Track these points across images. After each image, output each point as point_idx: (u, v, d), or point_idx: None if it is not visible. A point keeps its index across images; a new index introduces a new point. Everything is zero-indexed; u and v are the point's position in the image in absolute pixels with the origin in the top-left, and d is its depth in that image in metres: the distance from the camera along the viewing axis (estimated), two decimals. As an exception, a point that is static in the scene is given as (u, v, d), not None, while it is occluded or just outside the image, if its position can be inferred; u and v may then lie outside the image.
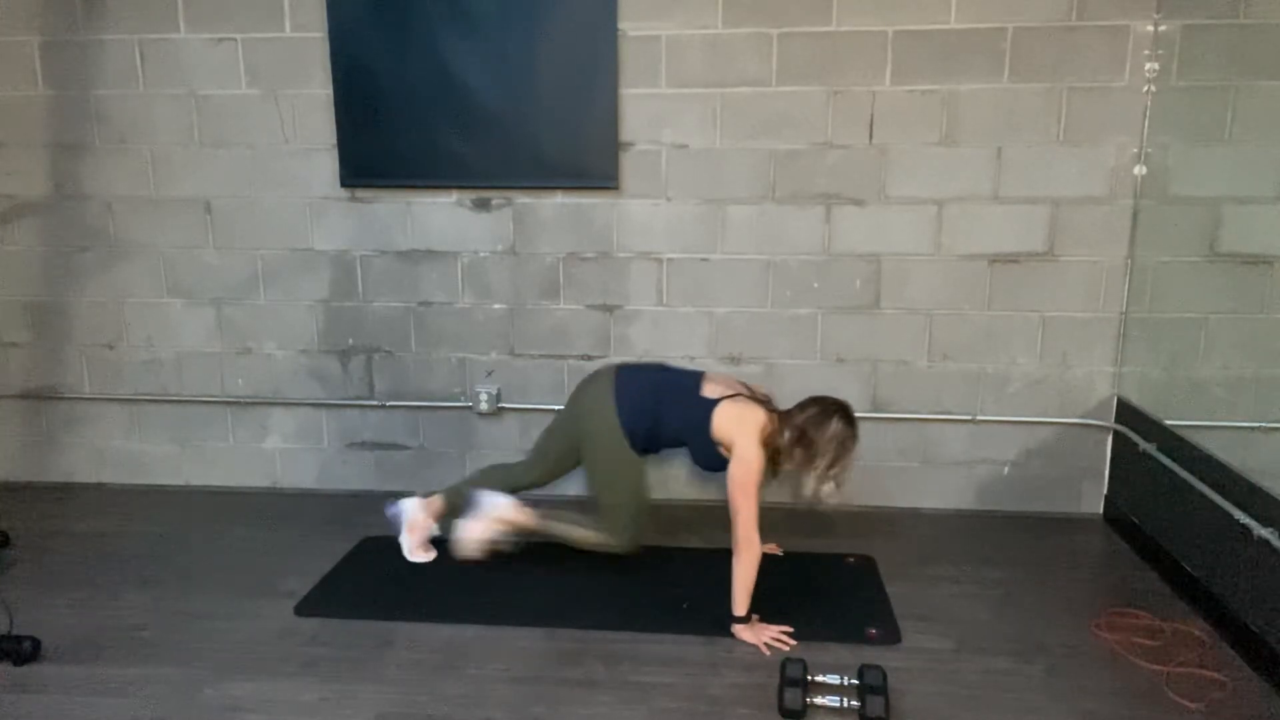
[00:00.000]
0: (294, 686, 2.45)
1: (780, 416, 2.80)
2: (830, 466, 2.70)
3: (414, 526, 3.17)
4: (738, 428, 2.76)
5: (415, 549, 3.17)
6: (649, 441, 2.94)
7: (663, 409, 2.89)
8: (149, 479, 3.92)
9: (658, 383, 2.95)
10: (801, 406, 2.78)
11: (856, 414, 3.51)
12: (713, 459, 2.84)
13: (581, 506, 3.11)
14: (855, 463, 2.78)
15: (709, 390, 2.86)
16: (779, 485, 3.60)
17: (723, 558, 2.77)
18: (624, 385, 2.94)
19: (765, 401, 2.90)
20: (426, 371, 3.72)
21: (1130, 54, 3.22)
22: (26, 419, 3.91)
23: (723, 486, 2.74)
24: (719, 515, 3.28)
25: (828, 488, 2.74)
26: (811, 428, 2.71)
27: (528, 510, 3.05)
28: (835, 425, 2.71)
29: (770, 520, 3.45)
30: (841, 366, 3.55)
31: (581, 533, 3.02)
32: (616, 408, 2.90)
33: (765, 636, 2.64)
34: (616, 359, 3.62)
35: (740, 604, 2.68)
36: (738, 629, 2.68)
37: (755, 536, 2.67)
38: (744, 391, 2.89)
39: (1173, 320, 3.14)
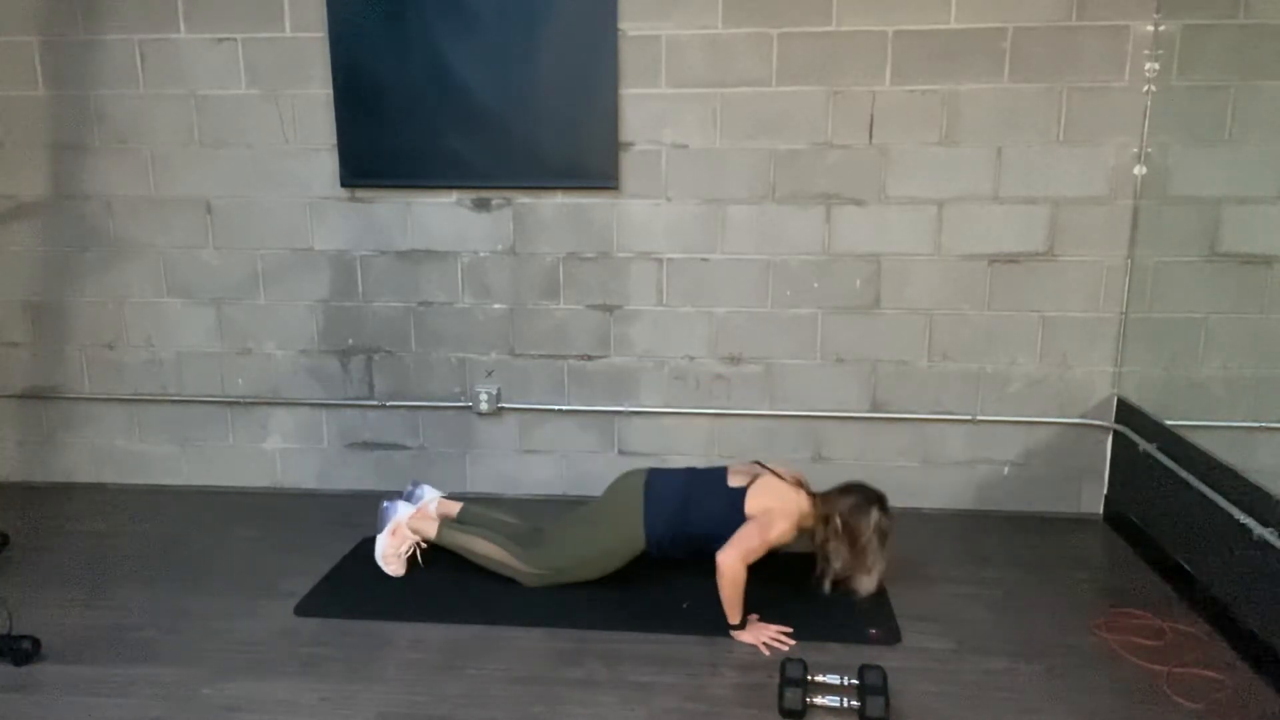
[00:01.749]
0: (294, 686, 2.45)
1: (819, 500, 2.81)
2: (878, 556, 2.74)
3: (399, 529, 3.06)
4: (771, 503, 2.75)
5: (388, 556, 3.04)
6: (673, 544, 2.87)
7: (690, 509, 2.83)
8: (149, 479, 3.92)
9: (685, 483, 2.90)
10: (842, 492, 2.81)
11: (856, 414, 3.55)
12: None
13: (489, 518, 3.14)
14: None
15: (735, 480, 2.84)
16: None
17: (723, 558, 2.77)
18: (653, 496, 2.88)
19: (798, 484, 2.87)
20: (426, 371, 3.72)
21: (1130, 54, 3.22)
22: (26, 419, 3.91)
23: None
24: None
25: (868, 580, 2.77)
26: (853, 518, 2.74)
27: (432, 521, 3.05)
28: (875, 515, 2.74)
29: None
30: (841, 366, 3.55)
31: (492, 549, 2.97)
32: (645, 510, 2.84)
33: (765, 636, 2.64)
34: (619, 359, 3.62)
35: (732, 615, 2.69)
36: (736, 633, 2.68)
37: (742, 559, 2.64)
38: (771, 470, 2.88)
39: (1173, 320, 3.14)
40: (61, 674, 2.52)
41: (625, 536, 2.87)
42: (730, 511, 2.77)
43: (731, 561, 2.64)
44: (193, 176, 3.62)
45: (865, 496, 2.79)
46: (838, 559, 2.77)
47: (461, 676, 2.50)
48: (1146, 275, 3.28)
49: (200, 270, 3.70)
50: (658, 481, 2.92)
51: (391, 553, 3.04)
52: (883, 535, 2.75)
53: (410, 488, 3.24)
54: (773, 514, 2.72)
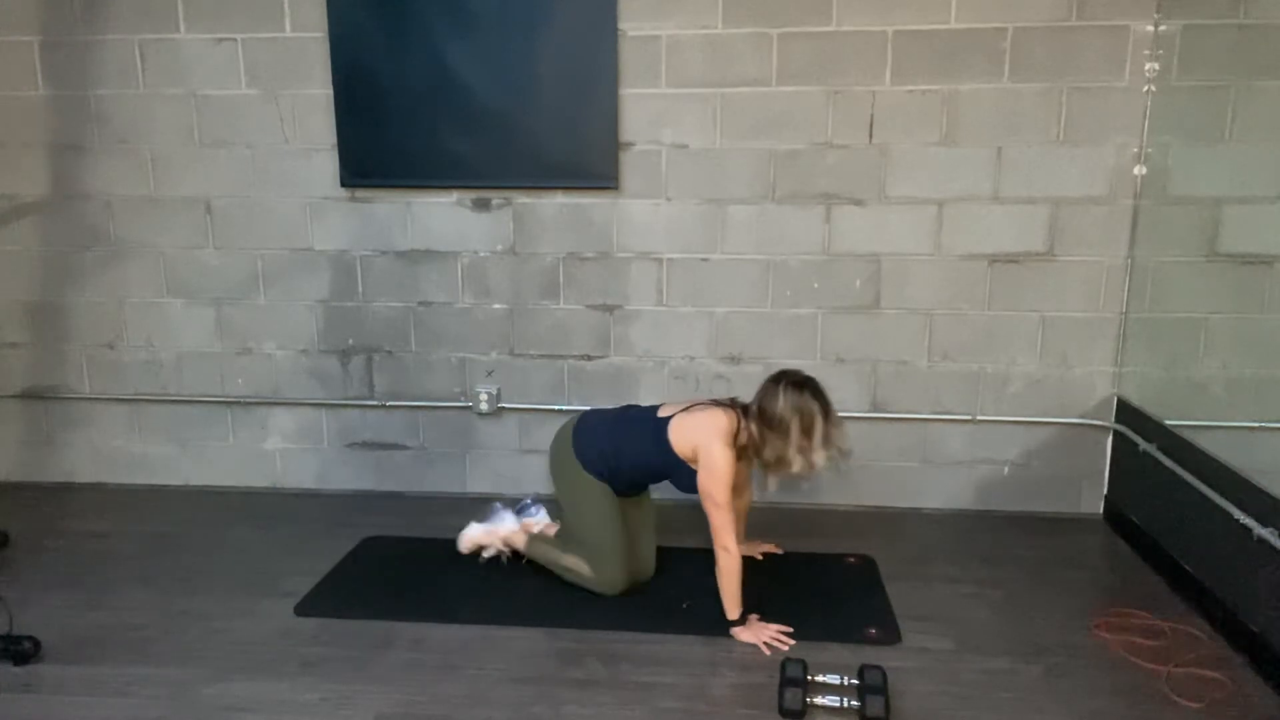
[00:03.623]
0: (294, 686, 2.45)
1: (742, 411, 2.75)
2: (804, 435, 2.58)
3: (492, 534, 3.12)
4: (696, 434, 2.71)
5: (469, 541, 3.13)
6: (614, 478, 2.88)
7: (622, 445, 2.85)
8: (149, 479, 3.92)
9: (615, 420, 2.92)
10: (760, 389, 2.72)
11: (856, 414, 3.55)
12: (689, 479, 2.76)
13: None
14: (839, 422, 2.65)
15: (664, 411, 2.84)
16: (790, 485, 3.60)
17: (722, 558, 2.77)
18: (582, 428, 2.93)
19: (728, 404, 2.81)
20: (426, 371, 3.72)
21: (1130, 54, 3.22)
22: (26, 419, 3.91)
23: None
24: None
25: (818, 456, 2.60)
26: (766, 406, 2.63)
27: (523, 535, 3.10)
28: (785, 394, 2.60)
29: (771, 520, 3.46)
30: (841, 366, 3.55)
31: (576, 561, 2.96)
32: (575, 449, 2.88)
33: (765, 635, 2.64)
34: (618, 359, 3.62)
35: (731, 609, 2.69)
36: (736, 631, 2.68)
37: (731, 543, 2.66)
38: (702, 401, 2.84)
39: (1173, 320, 3.14)
40: (61, 674, 2.52)
41: (582, 485, 2.88)
42: (656, 439, 2.78)
43: (725, 546, 2.66)
44: (193, 176, 3.62)
45: (773, 379, 2.67)
46: (769, 450, 2.64)
47: (461, 676, 2.50)
48: (1146, 275, 3.28)
49: (200, 270, 3.70)
50: (586, 423, 2.94)
51: (474, 541, 3.12)
52: (800, 409, 2.57)
53: (526, 501, 3.28)
54: (702, 450, 2.68)
